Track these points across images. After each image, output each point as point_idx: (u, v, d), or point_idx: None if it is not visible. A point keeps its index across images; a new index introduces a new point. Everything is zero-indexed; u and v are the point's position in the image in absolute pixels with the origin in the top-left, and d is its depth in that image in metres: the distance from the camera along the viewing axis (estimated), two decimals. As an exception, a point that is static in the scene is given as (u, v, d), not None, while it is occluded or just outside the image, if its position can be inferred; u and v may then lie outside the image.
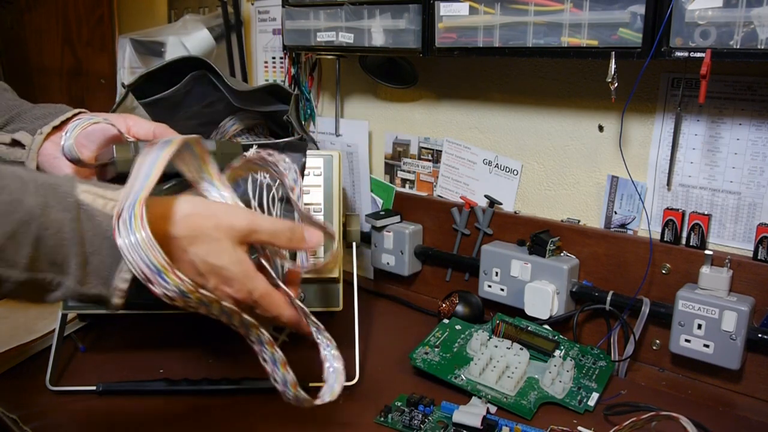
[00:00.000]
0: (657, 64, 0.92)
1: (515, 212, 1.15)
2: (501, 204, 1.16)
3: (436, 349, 1.00)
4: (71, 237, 0.51)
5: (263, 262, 0.67)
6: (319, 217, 1.00)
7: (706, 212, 0.95)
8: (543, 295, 1.02)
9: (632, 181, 1.00)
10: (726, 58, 0.77)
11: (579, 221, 1.08)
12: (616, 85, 0.88)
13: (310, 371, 0.99)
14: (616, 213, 1.04)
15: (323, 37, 1.16)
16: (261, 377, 0.89)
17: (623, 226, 1.03)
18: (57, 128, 0.74)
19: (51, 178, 0.53)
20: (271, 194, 0.84)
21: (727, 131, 0.92)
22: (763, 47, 0.75)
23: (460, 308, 1.10)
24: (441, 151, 1.23)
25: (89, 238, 0.52)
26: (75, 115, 0.75)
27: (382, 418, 0.87)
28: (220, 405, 0.90)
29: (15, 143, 0.71)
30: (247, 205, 0.79)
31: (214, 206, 0.62)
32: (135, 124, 0.78)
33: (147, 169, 0.56)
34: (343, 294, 1.00)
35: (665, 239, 0.98)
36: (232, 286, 0.59)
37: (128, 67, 1.47)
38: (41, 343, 1.03)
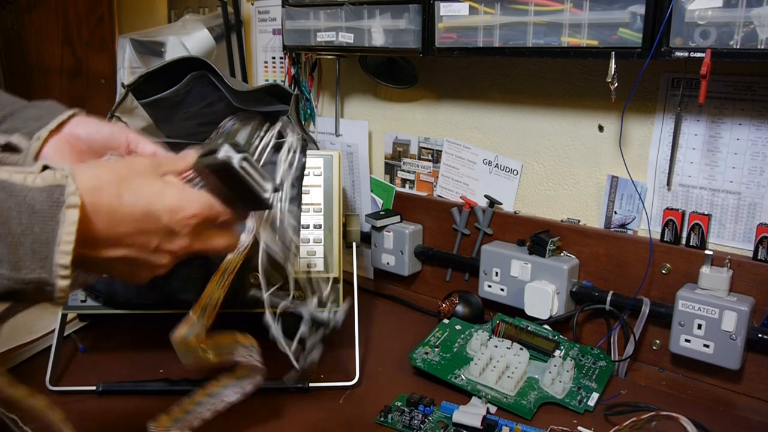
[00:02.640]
0: (657, 64, 0.92)
1: (515, 212, 1.15)
2: (501, 204, 1.16)
3: (436, 349, 1.00)
4: None
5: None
6: (319, 217, 1.00)
7: (706, 212, 0.95)
8: (543, 295, 1.02)
9: (632, 181, 1.00)
10: (726, 58, 0.77)
11: (579, 221, 1.08)
12: (616, 85, 0.88)
13: (311, 370, 0.99)
14: (616, 213, 1.04)
15: (323, 37, 1.16)
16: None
17: (623, 226, 1.03)
18: (54, 131, 0.70)
19: None
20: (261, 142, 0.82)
21: (727, 131, 0.92)
22: (763, 47, 0.75)
23: (460, 308, 1.10)
24: (441, 151, 1.23)
25: (16, 217, 0.46)
26: (70, 117, 0.72)
27: (382, 418, 0.87)
28: (220, 405, 0.90)
29: (8, 147, 0.66)
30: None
31: (110, 161, 0.61)
32: (138, 142, 0.72)
33: None
34: (343, 294, 1.00)
35: (665, 239, 0.98)
36: (184, 209, 0.56)
37: (128, 67, 1.47)
38: (41, 343, 1.03)
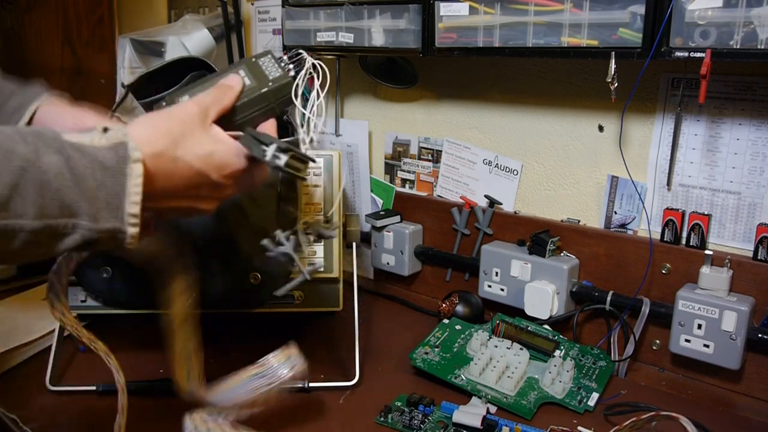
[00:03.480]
0: (657, 64, 0.92)
1: (515, 212, 1.14)
2: (501, 204, 1.16)
3: (436, 349, 1.00)
4: (72, 176, 0.51)
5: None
6: (319, 217, 1.00)
7: (706, 212, 0.95)
8: (543, 295, 1.02)
9: (632, 181, 1.00)
10: (726, 58, 0.77)
11: (579, 221, 1.08)
12: (616, 85, 0.88)
13: (311, 370, 0.99)
14: (616, 213, 1.04)
15: (323, 37, 1.16)
16: (261, 377, 0.90)
17: (623, 226, 1.03)
18: (27, 124, 0.72)
19: (34, 129, 0.53)
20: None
21: (727, 131, 0.92)
22: (763, 47, 0.75)
23: (460, 308, 1.10)
24: (441, 151, 1.23)
25: (90, 174, 0.52)
26: (38, 107, 0.73)
27: (382, 418, 0.87)
28: (220, 405, 0.90)
29: None
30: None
31: (162, 113, 0.65)
32: None
33: None
34: (343, 294, 1.00)
35: (665, 239, 0.98)
36: (229, 165, 0.63)
37: (128, 67, 1.47)
38: (41, 343, 1.03)
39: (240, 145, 0.65)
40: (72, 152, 0.52)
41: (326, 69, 0.77)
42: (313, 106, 0.77)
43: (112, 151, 0.54)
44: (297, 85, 0.75)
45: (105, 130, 0.56)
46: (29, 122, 0.71)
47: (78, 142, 0.54)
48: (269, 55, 0.75)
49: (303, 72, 0.75)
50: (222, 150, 0.63)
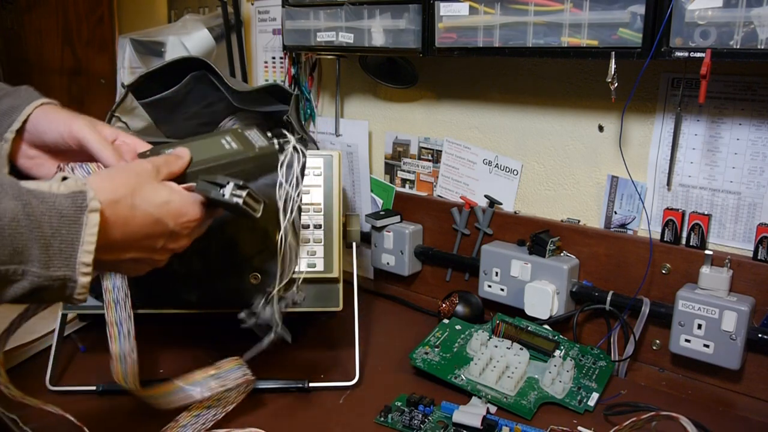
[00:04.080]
0: (657, 64, 0.92)
1: (515, 212, 1.15)
2: (501, 204, 1.16)
3: (436, 349, 1.00)
4: (27, 223, 0.51)
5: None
6: (319, 217, 1.00)
7: (706, 212, 0.95)
8: (543, 295, 1.02)
9: (632, 181, 1.00)
10: (726, 58, 0.77)
11: (579, 221, 1.08)
12: (616, 85, 0.88)
13: (311, 370, 0.99)
14: (616, 213, 1.04)
15: (323, 37, 1.16)
16: (261, 377, 0.90)
17: (623, 226, 1.03)
18: (19, 129, 0.72)
19: None
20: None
21: (727, 131, 0.92)
22: (763, 47, 0.75)
23: (460, 308, 1.10)
24: (441, 151, 1.23)
25: (46, 221, 0.52)
26: (30, 113, 0.72)
27: (382, 418, 0.87)
28: (220, 405, 0.90)
29: None
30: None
31: (118, 168, 0.66)
32: (86, 140, 0.72)
33: None
34: (343, 294, 1.00)
35: (665, 239, 0.98)
36: (186, 214, 0.64)
37: (128, 67, 1.47)
38: (41, 343, 1.03)
39: (195, 195, 0.66)
40: (30, 198, 0.52)
41: (306, 153, 0.78)
42: (292, 181, 0.78)
43: (70, 199, 0.54)
44: (280, 159, 0.76)
45: (64, 178, 0.56)
46: (23, 125, 0.71)
47: (36, 189, 0.54)
48: (255, 129, 0.76)
49: (287, 152, 0.76)
50: (178, 199, 0.63)
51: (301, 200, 0.80)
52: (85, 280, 0.54)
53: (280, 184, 0.75)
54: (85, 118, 0.73)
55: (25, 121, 0.71)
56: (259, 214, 0.68)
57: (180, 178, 0.68)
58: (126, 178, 0.61)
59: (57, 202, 0.53)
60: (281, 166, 0.75)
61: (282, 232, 0.77)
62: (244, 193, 0.65)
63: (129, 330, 0.77)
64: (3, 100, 0.72)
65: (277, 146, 0.75)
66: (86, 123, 0.72)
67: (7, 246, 0.50)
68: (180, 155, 0.68)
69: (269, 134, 0.76)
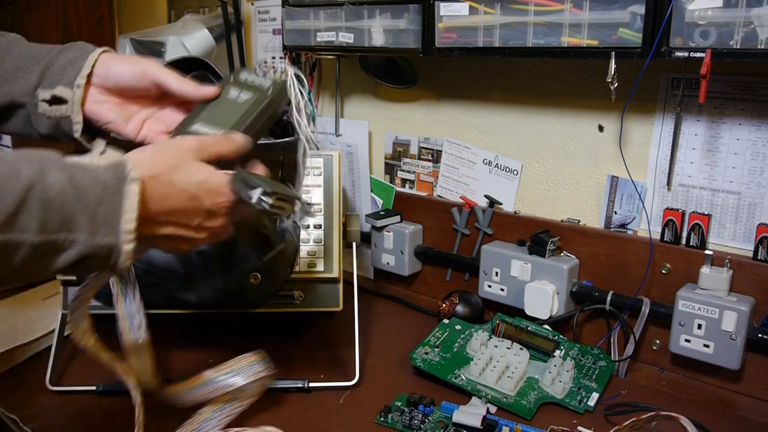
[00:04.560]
0: (657, 64, 0.92)
1: (515, 212, 1.14)
2: (501, 204, 1.16)
3: (436, 349, 1.00)
4: (74, 193, 0.54)
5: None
6: (319, 217, 1.00)
7: (706, 212, 0.95)
8: (543, 295, 1.02)
9: (632, 181, 1.00)
10: (726, 58, 0.77)
11: (579, 221, 1.08)
12: (616, 85, 0.88)
13: (311, 370, 0.99)
14: (616, 213, 1.04)
15: (323, 37, 1.16)
16: (261, 377, 0.90)
17: (623, 226, 1.03)
18: (89, 75, 0.73)
19: (38, 151, 0.56)
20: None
21: (727, 131, 0.92)
22: (763, 47, 0.75)
23: (460, 308, 1.10)
24: (441, 151, 1.23)
25: (91, 191, 0.54)
26: (99, 56, 0.74)
27: (382, 418, 0.87)
28: (220, 405, 0.90)
29: (56, 100, 0.71)
30: None
31: (161, 144, 0.67)
32: (165, 81, 0.75)
33: None
34: (343, 294, 1.00)
35: (665, 239, 0.98)
36: (222, 195, 0.65)
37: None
38: (41, 343, 1.03)
39: (231, 180, 0.67)
40: (74, 171, 0.55)
41: (303, 77, 0.79)
42: (303, 105, 0.78)
43: (111, 171, 0.56)
44: (289, 85, 0.76)
45: (103, 152, 0.59)
46: (91, 70, 0.72)
47: (79, 162, 0.57)
48: (244, 71, 0.76)
49: (290, 75, 0.77)
50: (215, 180, 0.64)
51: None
52: (128, 247, 0.56)
53: (297, 108, 0.77)
54: (153, 60, 0.75)
55: (92, 67, 0.73)
56: (290, 214, 0.69)
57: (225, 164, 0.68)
58: (166, 155, 0.63)
59: (99, 173, 0.56)
60: (290, 94, 0.76)
61: (302, 141, 0.78)
62: (271, 200, 0.66)
63: (141, 322, 0.76)
64: (61, 55, 0.73)
65: (277, 75, 0.76)
66: (157, 63, 0.74)
67: (57, 216, 0.52)
68: (234, 139, 0.69)
69: (257, 71, 0.77)
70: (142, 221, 0.57)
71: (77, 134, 0.72)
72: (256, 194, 0.65)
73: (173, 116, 0.76)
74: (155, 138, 0.75)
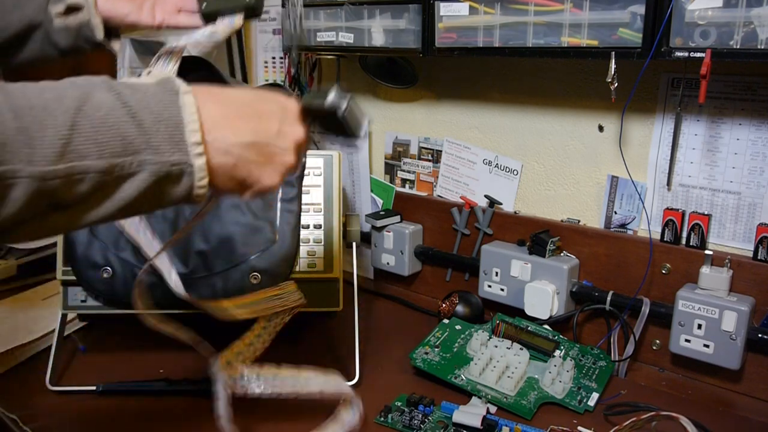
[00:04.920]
0: (657, 64, 0.92)
1: (515, 212, 1.15)
2: (501, 204, 1.16)
3: (436, 349, 1.00)
4: (126, 111, 0.50)
5: None
6: (319, 217, 1.00)
7: (706, 212, 0.95)
8: (543, 295, 1.02)
9: (632, 181, 1.00)
10: (726, 58, 0.77)
11: (579, 221, 1.08)
12: (616, 85, 0.88)
13: (310, 363, 0.99)
14: (616, 213, 1.04)
15: (323, 37, 1.16)
16: (261, 377, 0.90)
17: (623, 226, 1.03)
18: None
19: (81, 76, 0.53)
20: None
21: (727, 131, 0.92)
22: (763, 47, 0.75)
23: (460, 308, 1.10)
24: (441, 151, 1.23)
25: (144, 107, 0.51)
26: None
27: (382, 418, 0.87)
28: (220, 405, 0.90)
29: (70, 10, 0.71)
30: None
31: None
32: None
33: None
34: (343, 294, 1.00)
35: (665, 239, 0.98)
36: (285, 99, 0.61)
37: (128, 67, 1.47)
38: (41, 343, 1.03)
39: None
40: (122, 89, 0.51)
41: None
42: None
43: (161, 86, 0.53)
44: None
45: (149, 73, 0.56)
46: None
47: (126, 81, 0.53)
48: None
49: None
50: (272, 94, 0.60)
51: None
52: (200, 161, 0.52)
53: None
54: None
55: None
56: (361, 133, 0.64)
57: None
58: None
59: (149, 90, 0.52)
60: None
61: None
62: (346, 101, 0.61)
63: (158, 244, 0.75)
64: None
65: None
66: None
67: (115, 137, 0.49)
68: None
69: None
70: (209, 129, 0.53)
71: (100, 36, 0.72)
72: (332, 95, 0.60)
73: None
74: (172, 19, 0.75)
